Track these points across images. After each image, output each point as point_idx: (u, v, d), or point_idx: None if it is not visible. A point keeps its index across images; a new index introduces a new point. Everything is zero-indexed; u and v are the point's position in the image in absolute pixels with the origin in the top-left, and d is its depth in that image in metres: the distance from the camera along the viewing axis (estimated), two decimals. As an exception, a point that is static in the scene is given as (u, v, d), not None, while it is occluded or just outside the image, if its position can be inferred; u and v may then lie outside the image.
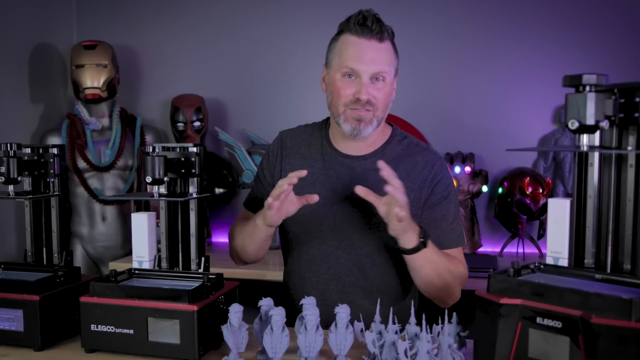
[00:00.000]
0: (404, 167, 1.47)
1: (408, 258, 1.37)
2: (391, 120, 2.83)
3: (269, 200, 1.34)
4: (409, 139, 1.55)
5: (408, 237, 1.34)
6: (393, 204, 1.27)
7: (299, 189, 1.51)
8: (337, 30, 1.47)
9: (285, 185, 1.32)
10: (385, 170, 1.29)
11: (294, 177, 1.32)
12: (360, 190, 1.32)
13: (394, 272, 1.50)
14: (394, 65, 1.45)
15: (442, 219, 1.47)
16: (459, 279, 1.46)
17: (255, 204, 1.58)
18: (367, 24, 1.39)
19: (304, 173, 1.34)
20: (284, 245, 1.61)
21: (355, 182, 1.46)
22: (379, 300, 1.23)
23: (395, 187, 1.27)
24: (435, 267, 1.39)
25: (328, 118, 1.57)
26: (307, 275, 1.53)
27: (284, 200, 1.36)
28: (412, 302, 1.23)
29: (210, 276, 1.30)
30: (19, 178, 1.39)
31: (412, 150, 1.51)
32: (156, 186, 1.31)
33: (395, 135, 1.54)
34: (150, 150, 1.34)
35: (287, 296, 1.57)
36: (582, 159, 1.06)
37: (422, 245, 1.34)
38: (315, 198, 1.39)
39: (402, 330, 1.13)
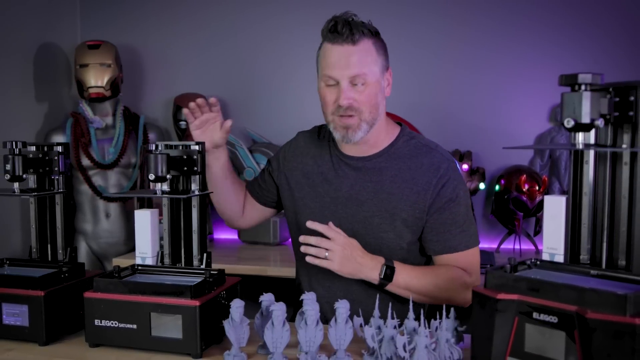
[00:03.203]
0: (409, 168, 1.47)
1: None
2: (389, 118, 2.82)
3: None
4: (417, 140, 1.52)
5: (366, 275, 1.38)
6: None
7: (310, 187, 1.54)
8: None
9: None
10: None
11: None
12: (310, 224, 1.39)
13: None
14: (377, 64, 1.42)
15: (452, 223, 1.46)
16: (456, 289, 1.43)
17: (254, 186, 1.68)
18: (337, 30, 1.38)
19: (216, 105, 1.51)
20: (293, 243, 1.62)
21: (361, 182, 1.49)
22: (377, 296, 1.25)
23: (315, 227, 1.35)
24: (416, 289, 1.40)
25: None
26: (314, 271, 1.54)
27: (205, 123, 1.51)
28: (411, 298, 1.24)
29: (212, 272, 1.31)
30: (24, 176, 1.41)
31: (419, 151, 1.49)
32: (159, 183, 1.32)
33: (403, 136, 1.52)
34: (153, 148, 1.34)
35: (298, 294, 1.57)
36: (578, 157, 1.07)
37: (384, 281, 1.38)
38: (228, 123, 1.51)
39: (400, 325, 1.15)
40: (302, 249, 1.37)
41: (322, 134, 1.60)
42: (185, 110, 1.52)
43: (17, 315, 1.31)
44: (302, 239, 1.37)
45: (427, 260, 1.55)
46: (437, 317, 1.12)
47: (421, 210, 1.46)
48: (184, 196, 1.35)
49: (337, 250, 1.34)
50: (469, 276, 1.46)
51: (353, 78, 1.39)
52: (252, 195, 1.68)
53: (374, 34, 1.43)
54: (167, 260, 1.39)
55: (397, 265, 1.40)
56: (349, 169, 1.51)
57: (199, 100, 1.50)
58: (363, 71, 1.38)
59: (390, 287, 1.40)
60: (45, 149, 1.46)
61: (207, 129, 1.52)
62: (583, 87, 0.99)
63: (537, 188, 2.46)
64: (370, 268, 1.37)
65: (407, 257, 1.49)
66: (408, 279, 1.40)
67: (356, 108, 1.40)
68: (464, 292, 1.43)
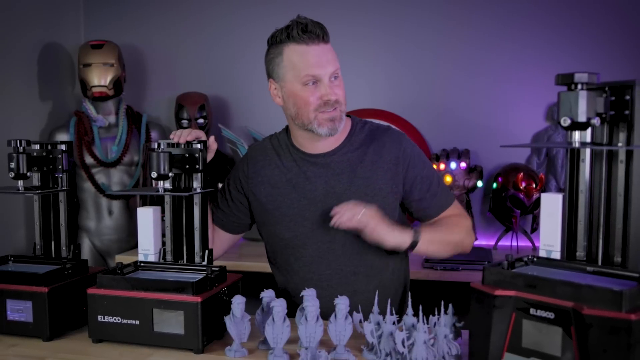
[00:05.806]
0: (373, 150, 1.52)
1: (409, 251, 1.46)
2: (388, 117, 2.84)
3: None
4: (369, 124, 1.59)
5: (395, 237, 1.40)
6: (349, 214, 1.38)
7: (282, 197, 1.53)
8: (269, 44, 1.48)
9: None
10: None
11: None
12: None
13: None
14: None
15: (434, 187, 1.54)
16: (464, 234, 1.54)
17: (218, 217, 1.62)
18: (309, 30, 1.42)
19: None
20: (274, 257, 1.61)
21: (333, 177, 1.50)
22: (377, 293, 1.26)
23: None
24: (438, 245, 1.48)
25: (286, 127, 1.59)
26: (308, 276, 1.53)
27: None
28: (409, 295, 1.26)
29: (213, 269, 1.32)
30: (28, 174, 1.42)
31: (376, 133, 1.56)
32: (161, 181, 1.34)
33: (357, 124, 1.58)
34: (156, 146, 1.35)
35: (291, 303, 1.48)
36: (574, 155, 1.08)
37: (414, 243, 1.42)
38: (213, 145, 1.46)
39: (399, 320, 1.16)
40: (335, 218, 1.39)
41: (274, 143, 1.59)
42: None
43: (21, 311, 1.32)
44: (334, 210, 1.40)
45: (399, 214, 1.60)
46: (436, 312, 1.14)
47: (397, 182, 1.51)
48: (186, 194, 1.36)
49: (372, 208, 1.40)
50: (466, 219, 1.58)
51: (332, 74, 1.44)
52: (218, 226, 1.63)
53: None
54: (169, 257, 1.40)
55: (420, 226, 1.48)
56: (318, 168, 1.52)
57: None
58: (337, 66, 1.46)
59: (415, 249, 1.45)
60: (49, 147, 1.47)
61: None
62: (579, 87, 1.00)
63: (534, 186, 2.48)
64: (400, 231, 1.42)
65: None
66: (431, 238, 1.46)
67: (339, 101, 1.46)
68: (469, 238, 1.55)
